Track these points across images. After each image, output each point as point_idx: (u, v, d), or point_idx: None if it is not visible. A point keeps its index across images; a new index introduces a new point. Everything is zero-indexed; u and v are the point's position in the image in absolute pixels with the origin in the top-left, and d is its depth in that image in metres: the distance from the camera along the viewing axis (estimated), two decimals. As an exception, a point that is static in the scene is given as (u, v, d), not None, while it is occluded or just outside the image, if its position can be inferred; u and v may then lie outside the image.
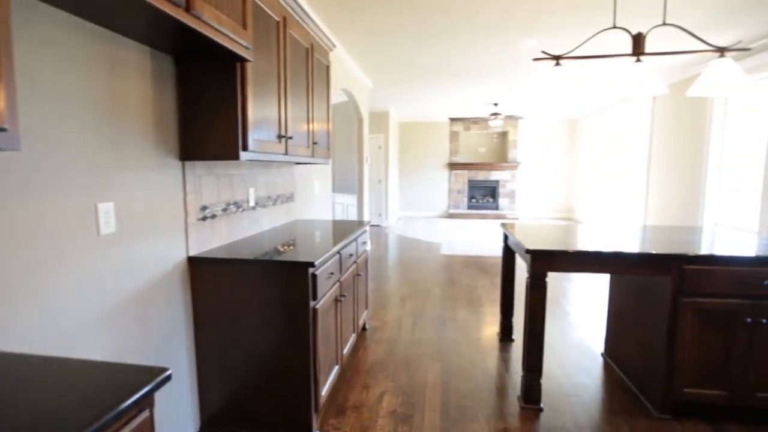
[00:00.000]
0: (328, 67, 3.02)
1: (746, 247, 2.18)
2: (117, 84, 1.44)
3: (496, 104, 8.34)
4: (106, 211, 1.37)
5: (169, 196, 1.74)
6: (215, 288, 1.87)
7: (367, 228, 3.19)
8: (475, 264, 5.60)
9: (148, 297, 1.62)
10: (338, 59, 4.55)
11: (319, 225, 3.00)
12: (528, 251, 2.08)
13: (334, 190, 7.46)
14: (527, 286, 2.16)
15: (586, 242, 2.30)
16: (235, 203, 2.29)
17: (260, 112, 1.89)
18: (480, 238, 7.57)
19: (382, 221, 9.32)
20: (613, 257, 2.05)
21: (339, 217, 7.36)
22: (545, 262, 2.09)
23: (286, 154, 2.21)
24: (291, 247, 2.11)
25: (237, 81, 1.71)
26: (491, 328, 3.32)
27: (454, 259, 5.88)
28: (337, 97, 7.05)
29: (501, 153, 11.06)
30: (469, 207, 11.00)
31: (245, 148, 1.75)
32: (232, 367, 1.91)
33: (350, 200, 7.08)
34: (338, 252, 2.26)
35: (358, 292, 2.88)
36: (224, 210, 2.17)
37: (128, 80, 1.50)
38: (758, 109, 4.60)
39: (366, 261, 3.19)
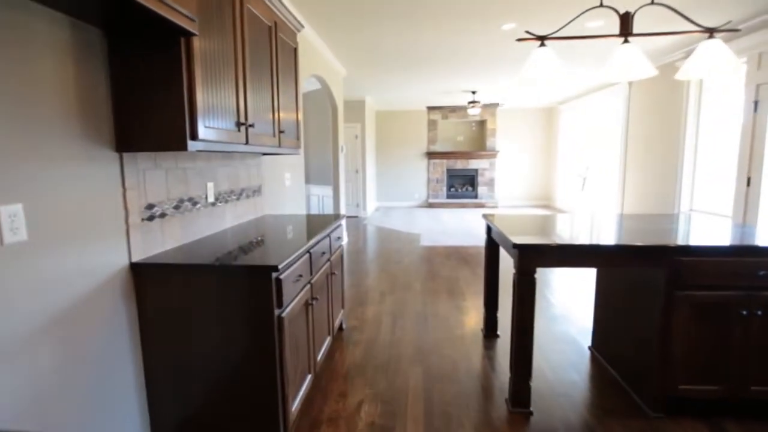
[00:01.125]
0: (295, 50, 2.77)
1: (735, 236, 2.08)
2: (23, 59, 1.18)
3: (474, 92, 8.19)
4: (12, 214, 1.12)
5: (102, 193, 1.49)
6: (166, 298, 1.64)
7: (343, 222, 2.98)
8: (455, 255, 5.47)
9: (77, 315, 1.38)
10: (308, 43, 4.27)
11: (290, 220, 2.77)
12: (515, 246, 1.91)
13: (309, 181, 7.20)
14: (515, 283, 2.00)
15: (573, 234, 2.15)
16: (191, 199, 2.05)
17: (213, 97, 1.64)
18: (460, 228, 7.45)
19: (359, 212, 9.11)
20: (606, 251, 1.91)
21: (314, 209, 7.11)
22: (534, 257, 1.93)
23: (247, 143, 1.97)
24: (255, 248, 1.89)
25: (182, 59, 1.47)
26: (475, 324, 3.18)
27: (435, 251, 5.73)
28: (309, 84, 6.75)
29: (479, 141, 10.95)
30: (449, 196, 10.89)
31: (194, 136, 1.51)
32: (189, 388, 1.69)
33: (326, 191, 6.84)
34: (308, 251, 2.05)
35: (333, 292, 2.68)
36: (177, 207, 1.92)
37: (40, 56, 1.24)
38: (731, 92, 4.57)
39: (341, 257, 2.99)
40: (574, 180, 8.85)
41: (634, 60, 2.12)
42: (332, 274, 2.63)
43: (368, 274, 4.62)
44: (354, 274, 4.63)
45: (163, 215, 1.81)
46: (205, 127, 1.58)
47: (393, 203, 10.89)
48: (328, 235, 2.53)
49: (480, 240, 6.40)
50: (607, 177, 7.49)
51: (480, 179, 10.70)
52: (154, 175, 1.76)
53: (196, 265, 1.61)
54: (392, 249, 5.88)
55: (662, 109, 5.65)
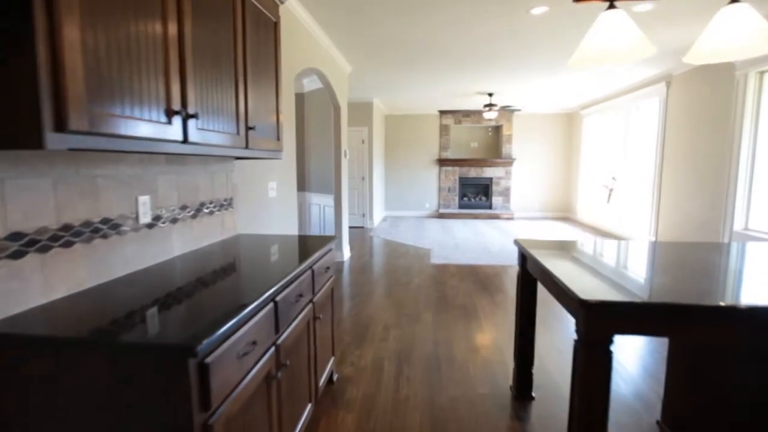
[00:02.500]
0: (276, 24, 2.16)
1: None
2: None
3: (491, 95, 7.54)
4: None
5: None
6: (19, 393, 1.01)
7: (332, 246, 2.34)
8: (471, 276, 4.79)
9: None
10: (305, 30, 3.67)
11: (266, 244, 2.14)
12: (584, 304, 1.25)
13: (309, 189, 6.59)
14: (576, 355, 1.34)
15: (668, 281, 1.48)
16: (108, 221, 1.43)
17: (111, 65, 1.03)
18: (474, 242, 6.77)
19: (365, 222, 8.48)
20: (759, 315, 1.23)
21: (315, 219, 6.49)
22: (613, 321, 1.26)
23: (185, 141, 1.35)
24: (192, 296, 1.26)
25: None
26: (502, 377, 2.51)
27: (447, 270, 5.06)
28: (311, 83, 6.17)
29: (494, 148, 10.28)
30: (461, 206, 10.21)
31: (62, 126, 0.89)
32: None
33: (327, 201, 6.22)
34: (273, 299, 1.42)
35: (319, 342, 2.03)
36: (77, 234, 1.30)
37: None
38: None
39: (331, 294, 2.35)
40: (598, 191, 8.12)
41: (747, 25, 1.46)
42: (316, 318, 1.98)
43: (371, 298, 3.97)
44: (354, 298, 3.98)
45: (46, 248, 1.19)
46: (93, 112, 0.96)
47: (402, 213, 10.25)
48: (310, 269, 1.90)
49: (498, 258, 5.71)
50: (638, 189, 6.76)
51: (495, 188, 10.01)
52: (24, 189, 1.14)
53: (61, 341, 0.97)
54: (399, 267, 5.22)
55: (709, 112, 4.94)
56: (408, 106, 9.09)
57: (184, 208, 1.89)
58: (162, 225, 1.72)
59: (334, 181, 5.52)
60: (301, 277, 1.74)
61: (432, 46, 4.54)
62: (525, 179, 9.96)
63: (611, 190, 7.49)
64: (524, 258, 2.19)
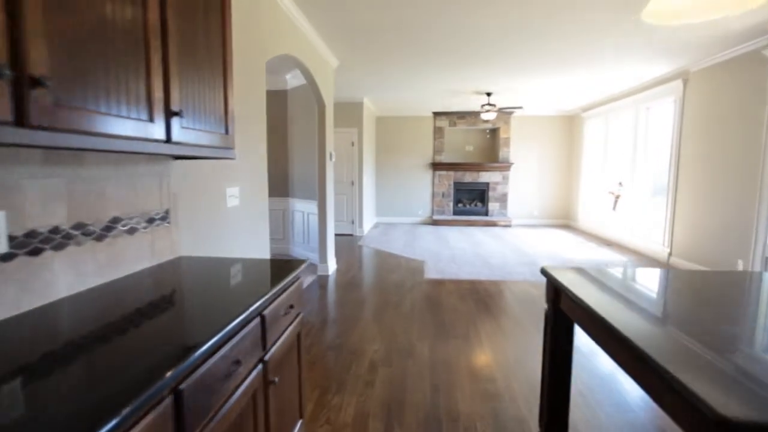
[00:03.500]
0: (223, -20, 1.60)
1: None
2: None
3: (489, 94, 7.05)
4: None
5: None
6: None
7: (299, 274, 1.78)
8: (471, 294, 4.25)
9: None
10: (283, 12, 3.12)
11: (202, 275, 1.57)
12: (730, 424, 0.70)
13: (292, 194, 6.02)
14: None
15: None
16: None
17: None
18: (471, 253, 6.24)
19: (354, 230, 7.91)
20: None
21: (298, 228, 5.91)
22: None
23: (23, 125, 0.79)
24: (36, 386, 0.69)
25: None
26: (519, 440, 1.95)
27: (444, 287, 4.51)
28: (294, 79, 5.61)
29: (491, 152, 9.80)
30: (456, 212, 9.70)
31: None
32: None
33: (312, 207, 5.64)
34: (173, 390, 0.85)
35: (271, 419, 1.46)
36: None
37: None
38: None
39: (297, 340, 1.78)
40: (602, 198, 7.65)
41: None
42: (269, 384, 1.41)
43: (356, 324, 3.41)
44: (337, 324, 3.41)
45: None
46: None
47: (393, 219, 9.70)
48: (259, 315, 1.33)
49: (499, 272, 5.18)
50: (648, 196, 6.29)
51: (491, 194, 9.52)
52: None
53: None
54: (390, 283, 4.66)
55: (734, 111, 4.47)
56: (400, 106, 8.57)
57: (79, 226, 1.31)
58: (30, 256, 1.15)
59: (318, 186, 4.96)
60: (241, 333, 1.18)
61: (426, 38, 4.01)
62: (523, 184, 9.48)
63: (618, 197, 7.02)
64: (556, 293, 1.65)
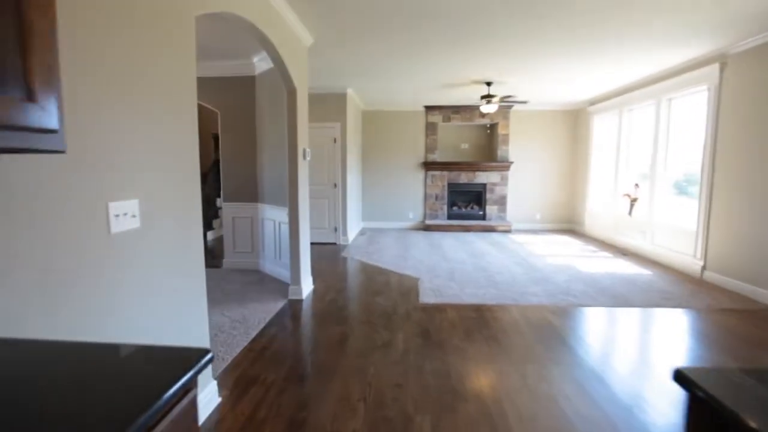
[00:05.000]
0: None
1: None
2: None
3: (489, 84, 6.20)
4: None
5: None
6: None
7: (187, 381, 0.86)
8: (478, 326, 3.39)
9: None
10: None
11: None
12: None
13: (262, 199, 5.09)
14: None
15: None
16: None
17: None
18: (471, 264, 5.38)
19: (338, 238, 7.01)
20: None
21: (269, 240, 4.98)
22: None
23: None
24: None
25: None
26: None
27: (445, 315, 3.65)
28: (264, 62, 4.70)
29: (488, 150, 8.98)
30: (450, 216, 8.85)
31: None
32: None
33: (285, 216, 4.73)
34: None
35: None
36: None
37: None
38: None
39: None
40: (615, 201, 6.87)
41: None
42: None
43: (330, 382, 2.51)
44: (304, 383, 2.51)
45: None
46: None
47: (382, 224, 8.82)
48: None
49: (507, 291, 4.32)
50: (672, 200, 5.52)
51: (489, 196, 8.69)
52: None
53: None
54: (378, 310, 3.78)
55: (794, 100, 3.69)
56: (389, 99, 7.68)
57: None
58: None
59: (289, 191, 4.04)
60: None
61: (419, 8, 3.14)
62: (523, 186, 8.67)
63: (634, 200, 6.24)
64: (702, 404, 0.77)
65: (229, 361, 2.78)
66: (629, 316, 3.67)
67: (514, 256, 6.08)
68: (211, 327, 3.35)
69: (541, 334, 3.24)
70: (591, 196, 7.72)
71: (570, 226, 8.58)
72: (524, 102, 6.67)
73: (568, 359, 2.80)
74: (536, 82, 6.07)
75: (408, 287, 4.51)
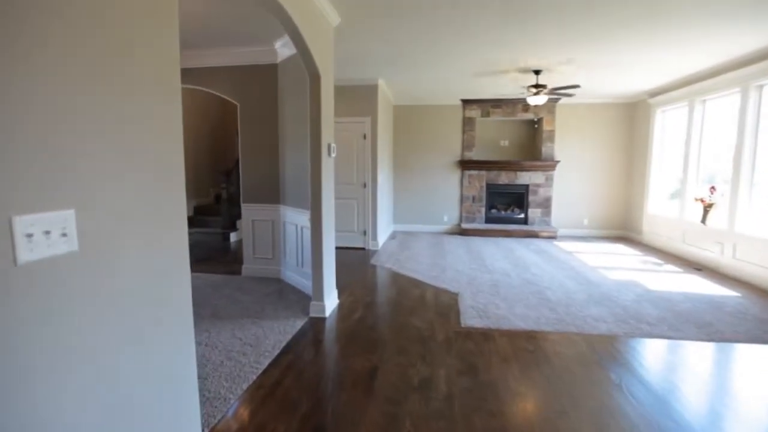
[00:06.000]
0: None
1: None
2: None
3: (538, 72, 5.49)
4: None
5: None
6: None
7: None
8: (536, 361, 2.75)
9: None
10: None
11: None
12: None
13: (284, 201, 4.61)
14: None
15: None
16: None
17: None
18: (518, 280, 4.71)
19: (367, 243, 6.47)
20: None
21: (291, 245, 4.49)
22: None
23: None
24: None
25: None
26: None
27: (494, 345, 3.02)
28: (288, 47, 4.20)
29: (531, 148, 8.21)
30: (488, 220, 8.15)
31: None
32: None
33: (306, 218, 4.22)
34: None
35: None
36: None
37: None
38: None
39: None
40: (684, 206, 6.00)
41: None
42: None
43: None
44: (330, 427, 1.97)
45: None
46: None
47: (413, 227, 8.22)
48: None
49: (565, 314, 3.65)
50: (764, 207, 4.65)
51: (531, 198, 7.94)
52: None
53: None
54: (413, 335, 3.19)
55: None
56: (422, 91, 7.06)
57: None
58: None
59: (311, 192, 3.52)
60: None
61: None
62: (570, 187, 7.86)
63: (709, 207, 5.38)
64: None
65: (232, 402, 2.27)
66: (731, 354, 2.93)
67: (565, 267, 5.35)
68: (219, 351, 2.86)
69: (619, 373, 2.57)
70: (651, 200, 6.85)
71: (623, 233, 7.70)
72: (576, 86, 5.88)
73: (665, 420, 2.13)
74: (593, 69, 5.31)
75: (447, 304, 3.91)
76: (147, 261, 1.34)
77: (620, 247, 6.72)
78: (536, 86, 5.54)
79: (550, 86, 5.66)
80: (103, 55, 1.14)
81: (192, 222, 7.32)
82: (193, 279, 4.78)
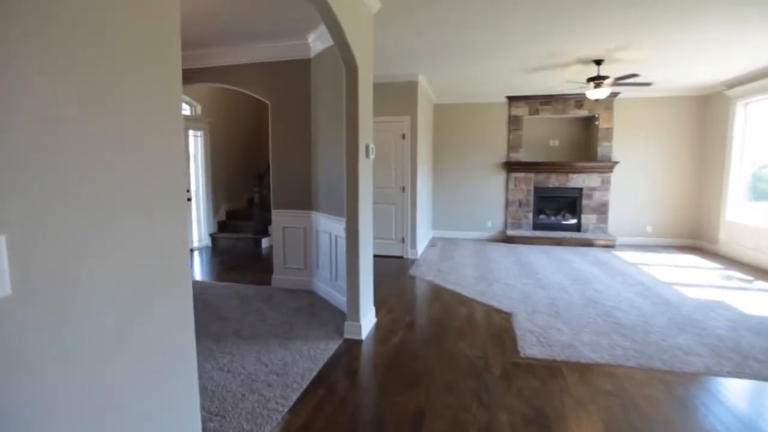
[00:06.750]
0: None
1: None
2: None
3: (599, 62, 4.87)
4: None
5: None
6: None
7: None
8: (622, 409, 2.21)
9: None
10: None
11: None
12: None
13: (317, 207, 4.25)
14: None
15: None
16: None
17: None
18: (579, 297, 4.12)
19: (405, 251, 6.03)
20: None
21: (324, 254, 4.12)
22: None
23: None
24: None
25: None
26: None
27: (563, 383, 2.50)
28: (322, 40, 3.85)
29: (585, 148, 7.50)
30: (536, 226, 7.51)
31: None
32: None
33: (340, 227, 3.83)
34: None
35: None
36: None
37: None
38: None
39: None
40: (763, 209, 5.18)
41: None
42: None
43: None
44: None
45: None
46: None
47: (454, 233, 7.70)
48: None
49: (642, 344, 3.05)
50: None
51: (585, 203, 7.23)
52: None
53: None
54: (461, 364, 2.72)
55: None
56: (464, 88, 6.55)
57: None
58: None
59: (347, 198, 3.12)
60: None
61: None
62: (630, 191, 7.09)
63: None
64: None
65: (251, 453, 1.89)
66: None
67: (632, 282, 4.69)
68: (241, 379, 2.51)
69: (738, 437, 1.99)
70: (730, 206, 6.01)
71: (694, 243, 6.85)
72: (645, 84, 5.20)
73: None
74: (663, 54, 4.63)
75: (499, 327, 3.40)
76: (126, 317, 0.96)
77: (693, 259, 5.93)
78: (597, 78, 4.92)
79: (613, 77, 5.00)
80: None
81: (223, 227, 7.14)
82: (221, 289, 4.53)
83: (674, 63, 4.95)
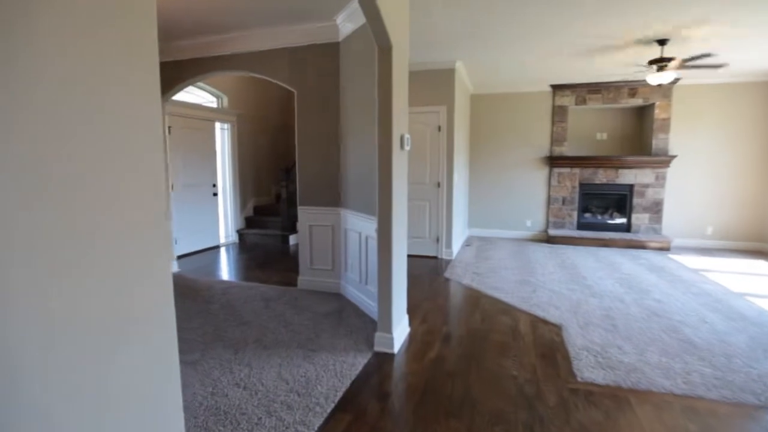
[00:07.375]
0: None
1: None
2: None
3: (663, 42, 4.31)
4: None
5: None
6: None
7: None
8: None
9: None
10: None
11: None
12: None
13: (345, 204, 3.95)
14: None
15: None
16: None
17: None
18: (637, 308, 3.64)
19: (440, 251, 5.66)
20: None
21: (353, 255, 3.82)
22: None
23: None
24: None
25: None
26: None
27: (634, 419, 2.09)
28: (352, 21, 3.53)
29: (636, 141, 6.87)
30: (581, 226, 6.95)
31: None
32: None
33: (371, 226, 3.50)
34: None
35: None
36: None
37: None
38: None
39: None
40: None
41: None
42: None
43: None
44: None
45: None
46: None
47: (491, 232, 7.25)
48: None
49: (727, 371, 2.58)
50: None
51: (637, 201, 6.62)
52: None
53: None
54: (508, 389, 2.35)
55: None
56: (504, 75, 6.08)
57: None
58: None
59: (379, 194, 2.79)
60: None
61: None
62: (688, 188, 6.43)
63: None
64: None
65: (264, 498, 1.60)
66: None
67: (697, 292, 4.15)
68: (259, 398, 2.24)
69: None
70: (810, 206, 5.30)
71: (763, 246, 6.14)
72: (721, 66, 4.56)
73: None
74: (744, 28, 4.03)
75: (549, 341, 2.99)
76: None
77: (764, 265, 5.27)
78: (660, 60, 4.36)
79: (680, 58, 4.42)
80: None
81: (250, 223, 6.98)
82: (245, 290, 4.30)
83: (753, 43, 4.33)
